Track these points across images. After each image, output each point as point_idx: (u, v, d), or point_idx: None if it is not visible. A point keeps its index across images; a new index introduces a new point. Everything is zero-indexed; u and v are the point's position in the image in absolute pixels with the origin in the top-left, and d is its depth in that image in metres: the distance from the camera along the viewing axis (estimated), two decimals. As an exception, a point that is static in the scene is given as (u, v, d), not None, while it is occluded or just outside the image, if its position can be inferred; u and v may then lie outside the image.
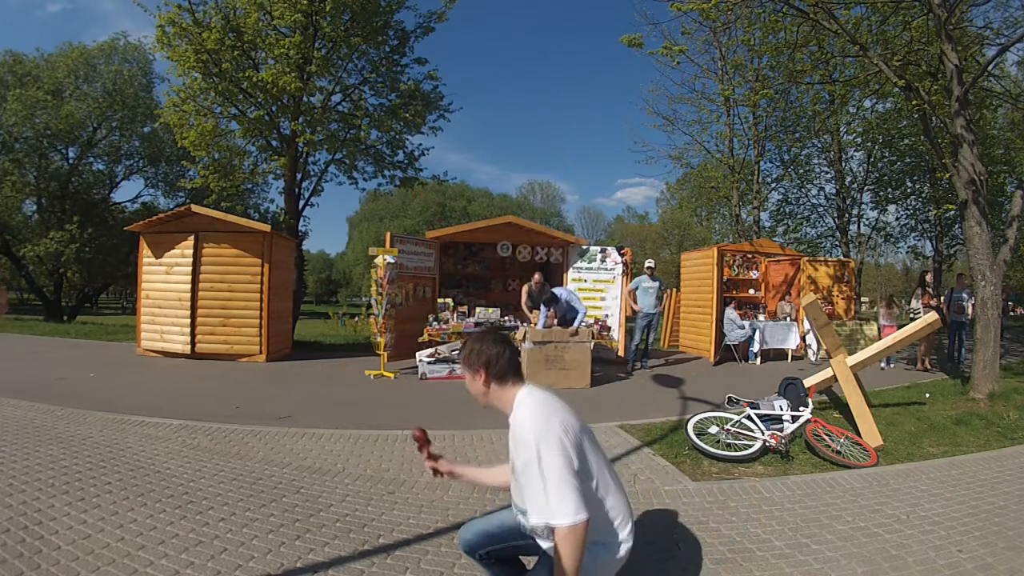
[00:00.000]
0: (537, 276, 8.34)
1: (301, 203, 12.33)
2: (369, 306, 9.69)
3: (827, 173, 19.63)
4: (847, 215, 19.43)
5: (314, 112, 11.28)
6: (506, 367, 1.77)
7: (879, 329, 9.61)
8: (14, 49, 21.64)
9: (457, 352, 7.73)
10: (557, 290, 8.02)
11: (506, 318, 8.44)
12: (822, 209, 19.81)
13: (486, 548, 1.92)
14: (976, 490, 3.60)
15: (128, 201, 24.06)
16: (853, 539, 2.84)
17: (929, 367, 9.07)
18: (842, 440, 4.34)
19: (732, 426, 4.48)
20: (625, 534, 1.72)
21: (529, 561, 1.91)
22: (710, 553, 2.67)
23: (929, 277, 9.80)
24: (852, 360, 5.13)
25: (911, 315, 9.66)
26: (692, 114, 16.26)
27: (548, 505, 1.50)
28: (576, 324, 7.51)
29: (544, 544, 1.69)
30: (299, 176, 12.00)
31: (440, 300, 8.95)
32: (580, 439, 1.64)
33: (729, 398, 5.04)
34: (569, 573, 1.48)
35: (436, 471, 1.99)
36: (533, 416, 1.63)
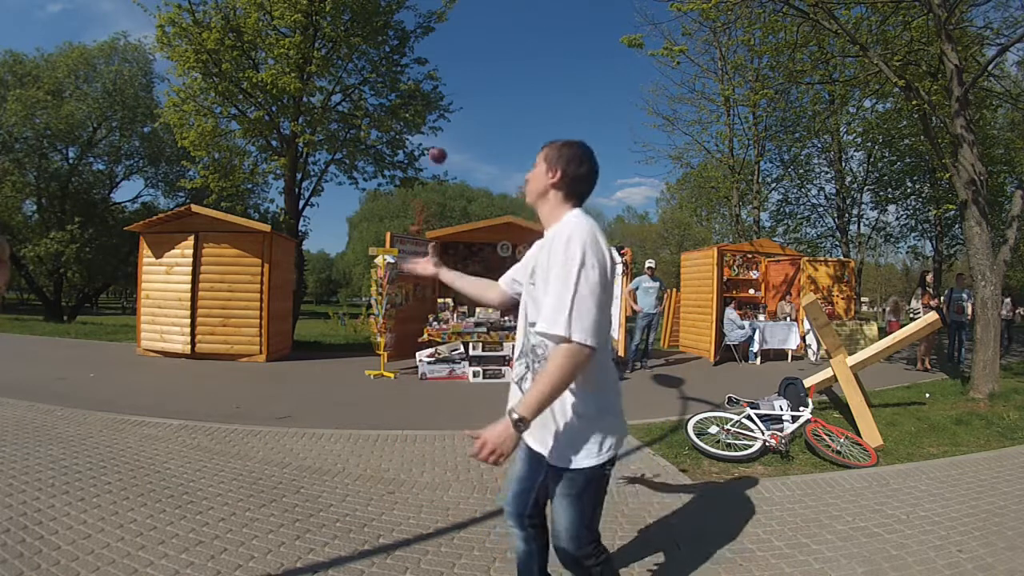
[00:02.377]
0: None
1: (301, 203, 12.34)
2: (369, 306, 9.68)
3: (827, 173, 19.68)
4: (847, 215, 19.45)
5: (314, 112, 11.29)
6: (582, 186, 1.63)
7: (886, 324, 9.65)
8: (14, 49, 21.66)
9: (458, 353, 7.74)
10: None
11: (506, 318, 8.44)
12: (822, 209, 19.84)
13: (527, 504, 1.77)
14: (976, 490, 3.60)
15: (128, 201, 24.12)
16: (853, 539, 2.84)
17: (929, 367, 9.08)
18: (842, 440, 4.34)
19: (732, 426, 4.48)
20: (618, 386, 1.66)
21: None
22: (710, 553, 2.67)
23: (929, 277, 9.82)
24: (852, 360, 5.12)
25: (911, 315, 9.67)
26: (692, 114, 16.32)
27: (570, 316, 1.37)
28: None
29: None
30: (299, 176, 12.01)
31: (440, 300, 8.95)
32: (612, 276, 1.52)
33: (729, 398, 5.04)
34: (551, 390, 1.37)
35: (419, 266, 1.97)
36: (589, 229, 1.49)
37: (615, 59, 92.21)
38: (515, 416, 1.37)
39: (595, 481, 1.55)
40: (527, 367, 1.64)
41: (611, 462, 1.58)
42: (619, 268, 9.97)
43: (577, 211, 1.61)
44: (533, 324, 1.55)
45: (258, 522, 2.88)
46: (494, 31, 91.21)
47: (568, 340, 1.37)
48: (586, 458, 1.51)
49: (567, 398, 1.52)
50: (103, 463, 3.69)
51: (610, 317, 1.52)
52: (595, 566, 1.62)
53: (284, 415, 5.28)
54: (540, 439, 1.60)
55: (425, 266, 2.07)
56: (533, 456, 1.67)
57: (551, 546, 1.71)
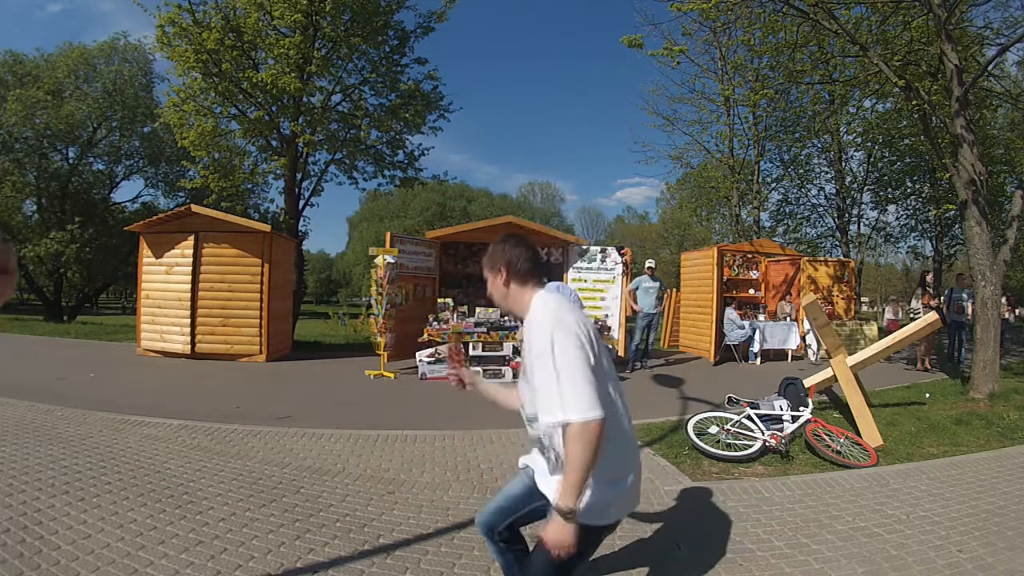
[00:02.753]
0: None
1: (301, 203, 12.34)
2: (369, 306, 9.68)
3: (827, 173, 19.67)
4: (847, 215, 19.45)
5: (314, 112, 11.29)
6: (528, 268, 1.70)
7: (885, 324, 9.67)
8: (14, 49, 21.65)
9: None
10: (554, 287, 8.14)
11: (505, 318, 8.44)
12: (822, 209, 19.84)
13: (503, 522, 1.84)
14: (976, 490, 3.60)
15: (128, 201, 24.09)
16: (853, 539, 2.84)
17: (929, 367, 9.08)
18: (842, 440, 4.34)
19: (732, 426, 4.48)
20: (635, 467, 1.66)
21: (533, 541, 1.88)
22: (710, 553, 2.67)
23: (929, 277, 9.85)
24: (852, 360, 5.12)
25: (911, 315, 9.69)
26: (692, 114, 16.29)
27: (561, 398, 1.39)
28: None
29: (550, 457, 1.59)
30: (299, 176, 12.01)
31: (440, 300, 8.95)
32: (596, 339, 1.55)
33: (729, 398, 5.04)
34: (580, 474, 1.38)
35: (459, 379, 1.97)
36: (549, 308, 1.55)
37: (615, 59, 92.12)
38: (563, 509, 1.42)
39: (588, 536, 1.55)
40: (540, 449, 1.70)
41: (609, 528, 1.63)
42: (619, 269, 10.00)
43: (540, 292, 1.68)
44: (531, 421, 1.65)
45: (258, 522, 2.88)
46: (494, 31, 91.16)
47: (570, 424, 1.39)
48: (587, 515, 1.50)
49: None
50: (103, 463, 3.70)
51: (606, 378, 1.57)
52: None
53: (284, 415, 5.28)
54: (548, 482, 1.64)
55: (462, 376, 2.03)
56: (532, 487, 1.74)
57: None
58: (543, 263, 1.78)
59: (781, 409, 4.72)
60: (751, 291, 11.33)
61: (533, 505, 1.76)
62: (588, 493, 1.47)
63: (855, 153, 19.02)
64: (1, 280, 1.09)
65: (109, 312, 31.22)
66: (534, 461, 1.77)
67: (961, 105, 6.37)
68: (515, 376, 7.54)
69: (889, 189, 19.09)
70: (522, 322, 1.71)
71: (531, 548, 1.70)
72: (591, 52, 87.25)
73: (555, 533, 1.42)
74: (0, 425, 4.50)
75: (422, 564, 2.52)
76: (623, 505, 1.63)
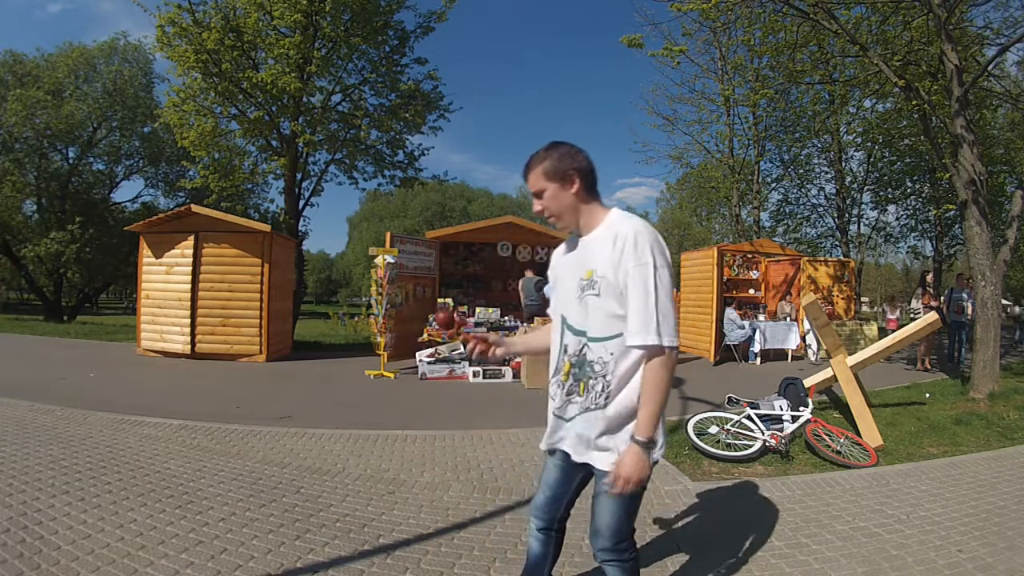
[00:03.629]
0: (528, 272, 8.59)
1: (301, 203, 12.34)
2: (369, 306, 9.68)
3: (827, 173, 19.68)
4: (847, 215, 19.45)
5: (314, 112, 11.29)
6: (594, 174, 1.59)
7: (884, 322, 9.68)
8: (14, 49, 21.66)
9: (458, 353, 7.74)
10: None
11: (506, 318, 8.45)
12: (822, 209, 19.84)
13: (562, 509, 1.76)
14: (976, 490, 3.60)
15: (128, 201, 24.09)
16: (853, 539, 2.84)
17: (929, 367, 9.08)
18: (842, 440, 4.34)
19: (732, 426, 4.48)
20: None
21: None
22: (710, 553, 2.67)
23: (930, 277, 9.85)
24: (852, 360, 5.12)
25: (911, 315, 9.68)
26: (692, 114, 16.28)
27: (658, 323, 1.37)
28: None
29: (618, 387, 1.48)
30: (299, 176, 12.02)
31: (440, 300, 8.95)
32: None
33: (729, 398, 5.04)
34: (661, 401, 1.39)
35: (484, 352, 1.79)
36: (649, 230, 1.47)
37: (615, 59, 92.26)
38: (640, 439, 1.40)
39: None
40: (576, 381, 1.56)
41: (655, 463, 1.58)
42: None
43: (618, 210, 1.59)
44: (582, 333, 1.53)
45: (258, 522, 2.88)
46: (494, 31, 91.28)
47: (662, 349, 1.38)
48: (658, 449, 1.51)
49: (627, 403, 1.49)
50: (103, 463, 3.69)
51: None
52: (632, 559, 1.67)
53: (284, 415, 5.28)
54: (588, 449, 1.57)
55: (495, 349, 1.83)
56: (568, 464, 1.66)
57: (589, 542, 1.70)
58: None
59: (781, 409, 4.72)
60: (751, 291, 11.33)
61: (577, 482, 1.72)
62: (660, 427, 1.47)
63: (855, 153, 19.05)
64: None
65: (110, 312, 31.22)
66: (559, 432, 1.64)
67: (961, 105, 6.37)
68: (515, 376, 7.54)
69: (889, 189, 19.10)
70: (576, 234, 1.61)
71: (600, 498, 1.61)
72: (591, 52, 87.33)
73: (634, 466, 1.40)
74: (0, 425, 4.50)
75: (422, 564, 2.52)
76: (665, 436, 1.59)
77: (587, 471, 1.64)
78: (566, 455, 1.64)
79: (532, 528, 1.80)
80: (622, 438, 1.50)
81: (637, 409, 1.46)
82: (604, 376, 1.50)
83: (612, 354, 1.49)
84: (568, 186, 1.55)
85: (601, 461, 1.54)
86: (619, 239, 1.46)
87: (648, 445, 1.40)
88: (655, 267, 1.40)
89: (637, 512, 1.65)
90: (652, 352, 1.40)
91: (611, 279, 1.46)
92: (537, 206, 1.61)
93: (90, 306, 28.14)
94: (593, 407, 1.52)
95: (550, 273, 1.78)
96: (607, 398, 1.49)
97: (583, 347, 1.54)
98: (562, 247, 1.73)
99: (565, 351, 1.61)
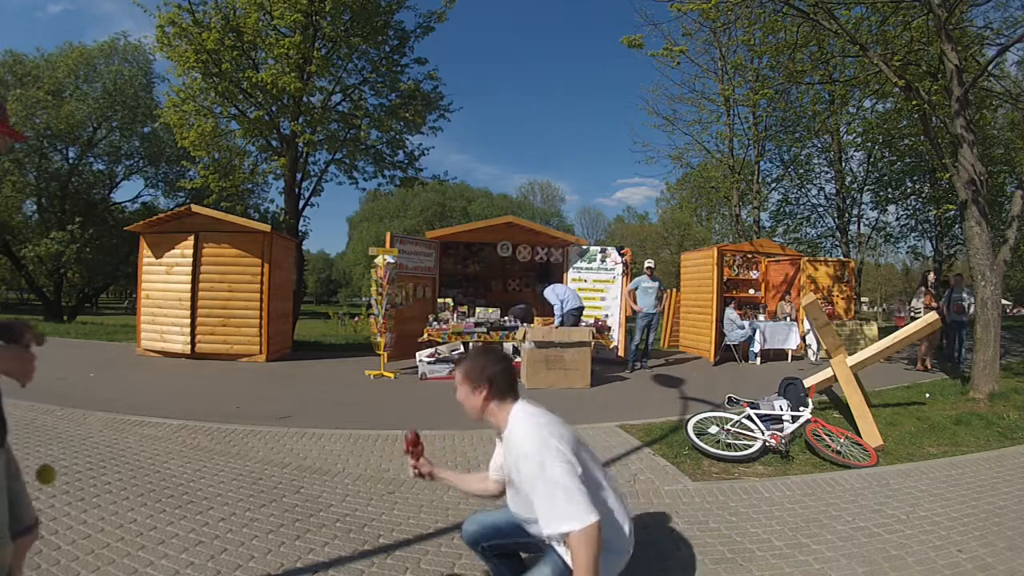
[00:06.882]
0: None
1: (301, 203, 12.34)
2: (369, 306, 9.68)
3: (827, 173, 19.64)
4: (847, 215, 19.42)
5: (314, 112, 11.29)
6: (509, 384, 1.79)
7: (893, 321, 9.67)
8: (14, 49, 21.65)
9: (457, 353, 7.74)
10: (556, 287, 8.37)
11: (506, 318, 8.44)
12: (822, 209, 19.81)
13: (490, 541, 1.92)
14: (976, 490, 3.60)
15: (128, 201, 24.04)
16: (853, 539, 2.84)
17: (929, 367, 9.07)
18: (842, 440, 4.34)
19: (732, 426, 4.48)
20: (628, 535, 1.76)
21: (529, 557, 1.92)
22: (710, 553, 2.67)
23: (931, 277, 9.84)
24: (852, 360, 5.12)
25: (912, 314, 9.67)
26: (692, 114, 16.25)
27: (557, 512, 1.51)
28: (557, 313, 7.95)
29: (559, 548, 1.68)
30: (299, 176, 12.01)
31: (440, 300, 8.95)
32: (577, 447, 1.69)
33: (729, 398, 5.04)
34: (591, 571, 1.49)
35: (418, 472, 2.02)
36: (531, 430, 1.65)
37: (615, 59, 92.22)
38: None
39: None
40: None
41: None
42: (619, 269, 10.00)
43: (517, 407, 1.76)
44: (528, 521, 1.74)
45: (258, 522, 2.88)
46: (494, 31, 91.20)
47: (571, 533, 1.49)
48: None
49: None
50: (103, 463, 3.70)
51: (593, 477, 1.69)
52: None
53: (284, 415, 5.28)
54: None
55: (421, 469, 2.06)
56: (519, 525, 1.82)
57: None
58: (516, 376, 1.86)
59: (781, 409, 4.72)
60: (751, 291, 11.33)
61: (519, 540, 1.86)
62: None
63: (855, 153, 19.00)
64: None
65: (110, 312, 31.22)
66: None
67: (961, 105, 6.37)
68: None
69: (889, 189, 19.07)
70: (499, 435, 1.81)
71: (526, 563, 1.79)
72: (591, 52, 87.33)
73: None
74: (0, 425, 4.50)
75: (422, 564, 2.52)
76: (619, 564, 1.76)
77: (532, 540, 1.81)
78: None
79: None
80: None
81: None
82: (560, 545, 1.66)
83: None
84: (477, 393, 1.77)
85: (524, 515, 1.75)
86: (515, 450, 1.65)
87: None
88: (542, 469, 1.55)
89: None
90: (565, 536, 1.52)
91: (518, 482, 1.66)
92: (458, 396, 1.84)
93: (90, 306, 28.10)
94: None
95: (496, 461, 1.98)
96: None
97: (531, 528, 1.74)
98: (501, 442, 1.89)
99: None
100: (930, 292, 9.74)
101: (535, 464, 1.56)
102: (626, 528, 1.76)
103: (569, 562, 1.58)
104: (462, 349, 7.78)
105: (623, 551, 1.74)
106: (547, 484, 1.53)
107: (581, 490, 1.53)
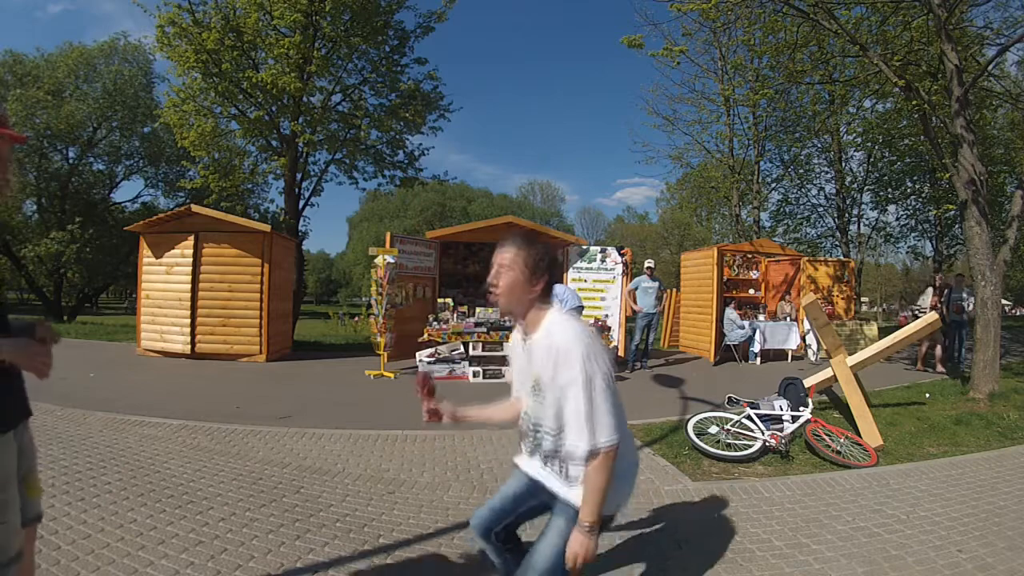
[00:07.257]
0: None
1: (301, 203, 12.34)
2: (369, 306, 9.68)
3: (827, 173, 19.65)
4: (847, 215, 19.43)
5: (314, 112, 11.29)
6: (551, 284, 1.69)
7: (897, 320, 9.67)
8: (14, 49, 21.64)
9: (458, 353, 7.74)
10: (556, 287, 8.28)
11: (506, 318, 8.44)
12: (822, 209, 19.82)
13: (501, 523, 1.85)
14: (976, 490, 3.60)
15: (128, 201, 24.05)
16: (853, 539, 2.84)
17: (944, 368, 9.07)
18: (842, 440, 4.34)
19: (732, 426, 4.48)
20: (632, 450, 1.79)
21: (527, 534, 1.90)
22: (710, 553, 2.67)
23: (939, 279, 9.86)
24: (852, 360, 5.12)
25: (918, 313, 9.67)
26: (692, 114, 16.26)
27: (593, 428, 1.48)
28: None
29: (566, 491, 1.63)
30: (299, 176, 12.01)
31: (440, 300, 8.95)
32: (611, 361, 1.62)
33: (729, 398, 5.04)
34: (602, 494, 1.50)
35: (435, 414, 1.89)
36: (579, 337, 1.54)
37: (615, 59, 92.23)
38: (586, 525, 1.51)
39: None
40: (538, 454, 1.74)
41: (610, 519, 1.68)
42: (619, 269, 9.99)
43: (556, 313, 1.65)
44: (538, 424, 1.68)
45: (258, 522, 2.88)
46: (494, 31, 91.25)
47: (597, 452, 1.49)
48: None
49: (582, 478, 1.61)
50: (103, 463, 3.70)
51: (619, 405, 1.62)
52: None
53: (284, 415, 5.28)
54: (552, 479, 1.70)
55: (438, 409, 1.95)
56: (531, 484, 1.77)
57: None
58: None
59: (781, 409, 4.72)
60: (751, 291, 11.33)
61: (529, 504, 1.81)
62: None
63: (855, 153, 19.01)
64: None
65: (110, 312, 31.21)
66: (527, 462, 1.80)
67: (961, 105, 6.37)
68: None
69: (889, 189, 19.08)
70: (525, 336, 1.71)
71: (531, 545, 1.71)
72: (591, 52, 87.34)
73: (581, 545, 1.51)
74: (0, 425, 4.50)
75: (422, 564, 2.52)
76: (625, 494, 1.72)
77: (540, 501, 1.76)
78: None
79: (473, 534, 1.89)
80: (560, 468, 1.66)
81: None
82: (560, 460, 1.65)
83: (563, 445, 1.59)
84: (535, 283, 1.64)
85: (541, 475, 1.72)
86: (557, 350, 1.55)
87: (591, 529, 1.51)
88: (587, 378, 1.50)
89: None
90: (590, 454, 1.50)
91: (550, 387, 1.58)
92: (494, 279, 1.69)
93: (90, 306, 28.10)
94: (559, 479, 1.67)
95: (519, 369, 1.84)
96: (565, 477, 1.64)
97: (539, 434, 1.69)
98: (515, 334, 1.82)
99: (528, 430, 1.75)
100: (937, 294, 9.74)
101: (579, 371, 1.50)
102: (631, 449, 1.78)
103: (577, 501, 1.56)
104: (461, 349, 7.78)
105: (627, 474, 1.72)
106: (588, 395, 1.49)
107: (612, 410, 1.52)
